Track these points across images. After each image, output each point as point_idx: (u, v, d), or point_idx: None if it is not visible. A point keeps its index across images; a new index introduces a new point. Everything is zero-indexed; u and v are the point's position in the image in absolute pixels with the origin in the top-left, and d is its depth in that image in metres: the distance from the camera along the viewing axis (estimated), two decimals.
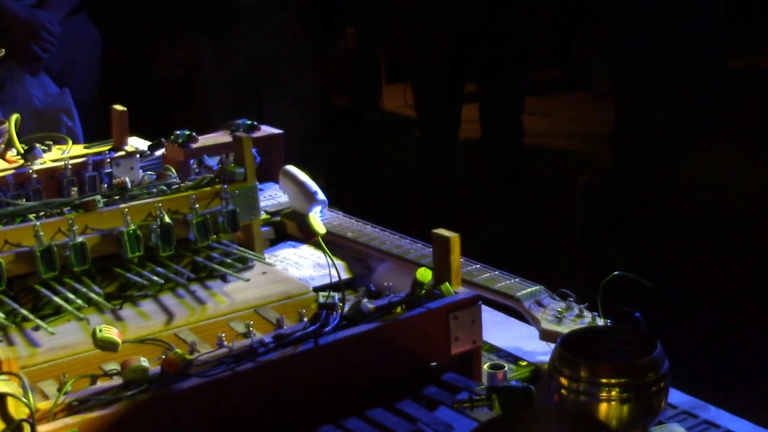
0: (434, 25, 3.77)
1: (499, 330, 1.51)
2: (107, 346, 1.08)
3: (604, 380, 0.94)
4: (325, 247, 1.18)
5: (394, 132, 4.84)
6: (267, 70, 3.64)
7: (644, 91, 3.53)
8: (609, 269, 1.31)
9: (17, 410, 0.96)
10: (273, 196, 1.87)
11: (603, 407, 0.94)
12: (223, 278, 1.40)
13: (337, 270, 1.13)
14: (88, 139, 2.09)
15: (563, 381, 0.96)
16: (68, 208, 1.41)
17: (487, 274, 1.49)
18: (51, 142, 1.89)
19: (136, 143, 1.98)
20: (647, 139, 3.52)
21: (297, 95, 3.64)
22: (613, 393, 0.94)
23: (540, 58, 5.52)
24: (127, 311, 1.33)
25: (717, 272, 3.66)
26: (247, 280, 1.37)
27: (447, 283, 1.22)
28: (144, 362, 1.05)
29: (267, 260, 1.50)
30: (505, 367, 1.30)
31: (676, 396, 1.31)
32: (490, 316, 1.54)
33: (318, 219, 1.20)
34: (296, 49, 3.63)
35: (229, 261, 1.43)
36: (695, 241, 3.89)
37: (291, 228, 1.75)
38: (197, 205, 1.43)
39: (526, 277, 1.47)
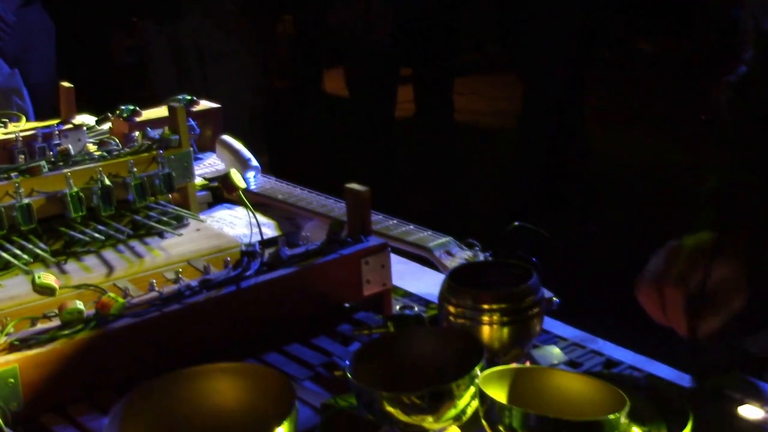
0: (375, 13, 3.79)
1: (414, 278, 1.55)
2: (45, 291, 1.11)
3: (485, 306, 0.98)
4: (245, 199, 1.21)
5: (334, 112, 4.87)
6: (214, 54, 3.64)
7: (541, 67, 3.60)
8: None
9: None
10: (211, 164, 1.89)
11: (485, 330, 0.98)
12: (160, 235, 1.43)
13: (257, 220, 1.16)
14: (40, 120, 2.08)
15: (451, 309, 1.00)
16: (15, 173, 1.41)
17: (403, 228, 1.53)
18: (7, 120, 1.90)
19: (87, 119, 1.99)
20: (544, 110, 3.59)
21: (241, 76, 3.65)
22: (495, 317, 0.98)
23: (472, 41, 5.56)
24: (71, 265, 1.35)
25: (617, 228, 3.70)
26: (180, 234, 1.40)
27: None
28: (79, 305, 1.07)
29: (202, 219, 1.52)
30: (415, 308, 1.33)
31: (568, 331, 1.36)
32: (405, 266, 1.58)
33: (238, 175, 1.22)
34: (240, 34, 3.64)
35: (165, 219, 1.45)
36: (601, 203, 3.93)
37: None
38: (135, 169, 1.45)
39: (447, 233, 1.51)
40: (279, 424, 0.65)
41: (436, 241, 1.46)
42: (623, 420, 0.70)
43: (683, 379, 1.20)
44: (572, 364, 1.23)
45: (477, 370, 0.73)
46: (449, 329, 0.95)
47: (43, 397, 1.04)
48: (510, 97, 5.11)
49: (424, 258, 1.48)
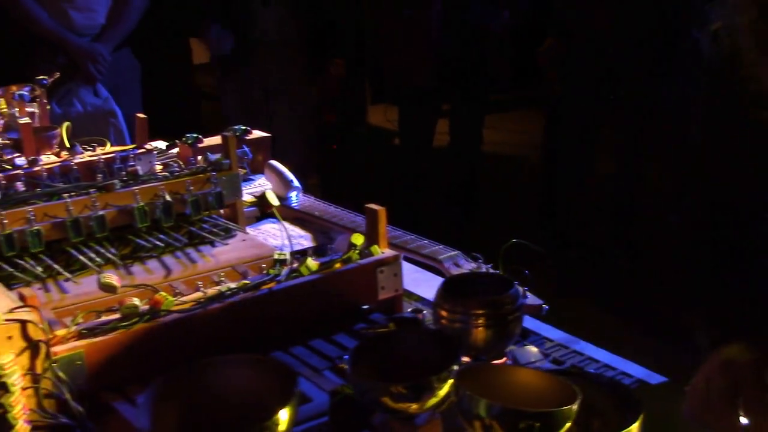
0: (420, 56, 3.78)
1: (428, 285, 1.54)
2: (108, 288, 1.13)
3: (472, 311, 0.99)
4: (278, 215, 1.22)
5: (377, 142, 4.89)
6: (276, 92, 3.68)
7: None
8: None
9: (36, 334, 1.00)
10: (261, 185, 1.90)
11: (472, 332, 0.99)
12: (212, 244, 1.45)
13: (287, 231, 1.18)
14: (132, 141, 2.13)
15: (443, 313, 1.00)
16: (93, 189, 1.45)
17: (419, 242, 1.53)
18: (96, 144, 1.95)
19: (161, 144, 2.03)
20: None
21: (298, 111, 3.68)
22: (480, 321, 0.98)
23: (501, 83, 5.49)
24: (136, 268, 1.38)
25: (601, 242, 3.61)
26: (227, 244, 1.42)
27: (375, 246, 1.26)
28: (136, 301, 1.09)
29: (247, 231, 1.54)
30: (424, 311, 1.34)
31: (556, 333, 1.35)
32: (421, 276, 1.58)
33: (273, 195, 1.24)
34: (299, 76, 3.67)
35: (216, 230, 1.47)
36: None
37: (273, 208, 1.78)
38: (192, 188, 1.47)
39: (459, 248, 1.51)
40: (282, 407, 0.67)
41: (446, 254, 1.47)
42: (574, 408, 0.70)
43: (651, 377, 1.19)
44: (556, 362, 1.23)
45: (454, 366, 0.74)
46: (433, 331, 0.96)
47: (104, 377, 1.06)
48: (523, 130, 5.04)
49: (435, 267, 1.49)
